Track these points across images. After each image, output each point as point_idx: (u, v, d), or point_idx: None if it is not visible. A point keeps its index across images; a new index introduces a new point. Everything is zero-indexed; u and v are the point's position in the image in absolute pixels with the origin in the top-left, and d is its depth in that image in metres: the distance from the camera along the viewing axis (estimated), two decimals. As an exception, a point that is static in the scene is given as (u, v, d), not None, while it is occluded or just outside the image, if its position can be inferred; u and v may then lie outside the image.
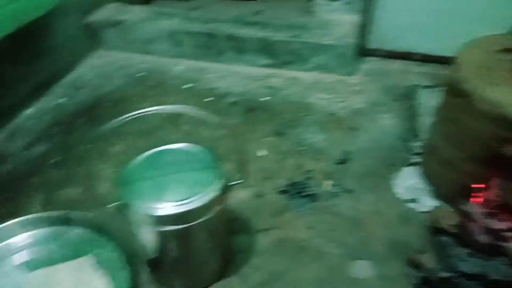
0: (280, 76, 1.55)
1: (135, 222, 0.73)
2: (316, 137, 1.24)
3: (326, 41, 1.48)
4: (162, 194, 0.70)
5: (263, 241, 0.92)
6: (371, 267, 0.86)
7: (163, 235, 0.73)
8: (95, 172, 1.14)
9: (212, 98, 1.43)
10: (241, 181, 0.77)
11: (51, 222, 0.95)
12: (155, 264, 0.82)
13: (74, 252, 0.90)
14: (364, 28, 1.55)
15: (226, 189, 0.74)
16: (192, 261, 0.79)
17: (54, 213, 0.94)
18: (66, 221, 0.96)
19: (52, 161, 1.18)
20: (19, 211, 1.02)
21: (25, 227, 0.91)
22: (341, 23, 1.53)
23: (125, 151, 1.22)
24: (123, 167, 0.76)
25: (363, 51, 1.59)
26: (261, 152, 1.17)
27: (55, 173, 1.14)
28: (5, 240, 0.90)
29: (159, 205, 0.69)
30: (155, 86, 1.51)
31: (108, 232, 0.93)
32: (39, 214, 0.95)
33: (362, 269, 0.86)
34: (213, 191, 0.71)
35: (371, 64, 1.58)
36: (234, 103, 1.41)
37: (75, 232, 0.95)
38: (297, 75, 1.55)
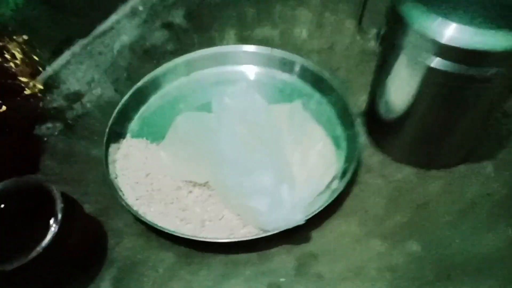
0: None
1: (406, 55, 0.55)
2: None
3: None
4: (461, 19, 0.49)
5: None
6: None
7: (437, 78, 0.53)
8: (292, 14, 0.98)
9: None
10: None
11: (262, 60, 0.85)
12: (387, 126, 0.67)
13: (282, 96, 0.81)
14: None
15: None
16: (447, 131, 0.61)
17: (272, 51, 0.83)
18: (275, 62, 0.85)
19: (245, -4, 1.03)
20: (213, 42, 0.92)
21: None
22: None
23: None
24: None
25: None
26: None
27: (249, 10, 0.99)
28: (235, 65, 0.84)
29: (452, 32, 0.49)
30: None
31: (319, 82, 0.80)
32: (253, 46, 0.85)
33: None
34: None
35: None
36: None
37: (283, 76, 0.84)
38: None
